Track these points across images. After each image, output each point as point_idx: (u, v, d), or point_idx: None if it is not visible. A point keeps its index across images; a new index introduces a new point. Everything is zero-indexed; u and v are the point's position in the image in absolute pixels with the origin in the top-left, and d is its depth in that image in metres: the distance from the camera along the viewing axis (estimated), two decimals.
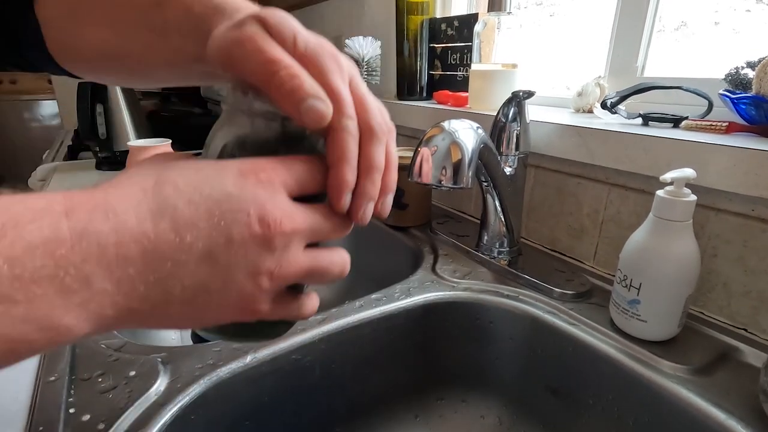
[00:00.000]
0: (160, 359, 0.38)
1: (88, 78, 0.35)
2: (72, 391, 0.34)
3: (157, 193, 0.18)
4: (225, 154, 0.22)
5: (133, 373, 0.36)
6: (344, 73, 0.22)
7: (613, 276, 0.43)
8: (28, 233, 0.16)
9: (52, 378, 0.35)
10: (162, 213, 0.18)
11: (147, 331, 0.64)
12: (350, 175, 0.21)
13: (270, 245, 0.19)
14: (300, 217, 0.20)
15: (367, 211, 0.22)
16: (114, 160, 1.02)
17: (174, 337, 0.65)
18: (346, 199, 0.21)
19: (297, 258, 0.20)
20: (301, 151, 0.22)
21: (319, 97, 0.19)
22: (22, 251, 0.15)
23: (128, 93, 1.05)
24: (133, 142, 0.78)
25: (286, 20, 0.21)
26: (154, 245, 0.18)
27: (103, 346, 0.40)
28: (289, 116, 0.20)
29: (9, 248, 0.15)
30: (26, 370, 0.36)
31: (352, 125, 0.21)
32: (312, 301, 0.24)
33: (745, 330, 0.43)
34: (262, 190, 0.19)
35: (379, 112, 0.22)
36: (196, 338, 0.44)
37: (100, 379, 0.36)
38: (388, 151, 0.22)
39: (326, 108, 0.20)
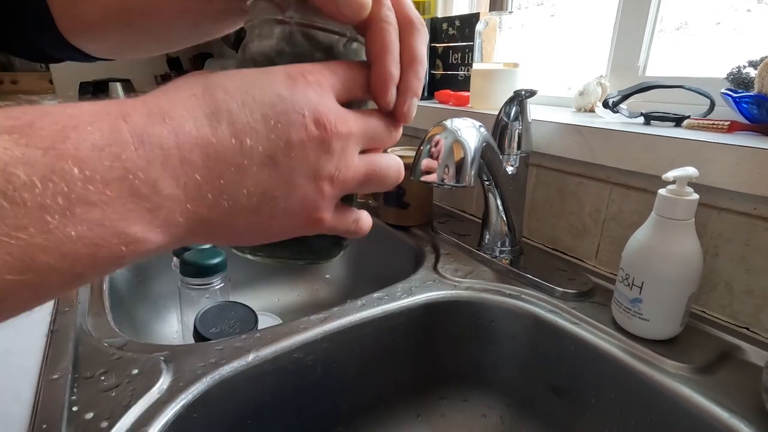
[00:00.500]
0: (162, 357, 0.38)
1: (99, 53, 0.34)
2: (75, 389, 0.34)
3: (209, 97, 0.17)
4: (258, 62, 0.21)
5: (135, 371, 0.36)
6: None
7: (615, 275, 0.43)
8: (90, 134, 0.15)
9: (55, 376, 0.35)
10: (218, 116, 0.17)
11: (149, 329, 0.64)
12: (394, 67, 0.20)
13: (328, 148, 0.19)
14: (353, 121, 0.20)
15: (412, 108, 0.21)
16: None
17: (176, 336, 0.65)
18: (392, 94, 0.20)
19: (354, 161, 0.20)
20: (332, 57, 0.21)
21: None
22: (88, 153, 0.14)
23: (130, 89, 1.05)
24: None
25: None
26: (215, 150, 0.17)
27: (105, 344, 0.40)
28: (321, 24, 0.20)
29: (74, 150, 0.14)
30: (29, 368, 0.36)
31: (392, 16, 0.20)
32: (367, 218, 0.24)
33: (748, 329, 0.43)
34: (313, 93, 0.19)
35: (413, 6, 0.22)
36: (198, 337, 0.44)
37: (102, 378, 0.36)
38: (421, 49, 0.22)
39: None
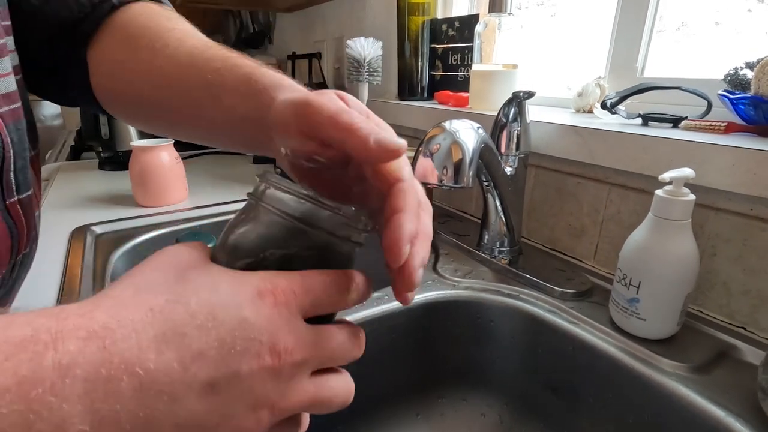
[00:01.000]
0: None
1: (126, 122, 0.36)
2: None
3: (166, 316, 0.17)
4: (241, 253, 0.20)
5: None
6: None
7: (613, 275, 0.44)
8: (1, 373, 0.14)
9: None
10: (168, 341, 0.16)
11: None
12: (412, 225, 0.20)
13: (278, 376, 0.18)
14: (312, 345, 0.19)
15: (419, 276, 0.20)
16: (117, 160, 1.03)
17: None
18: (405, 251, 0.19)
19: (302, 387, 0.19)
20: (323, 257, 0.21)
21: (393, 136, 0.20)
22: None
23: None
24: (136, 142, 0.78)
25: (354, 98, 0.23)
26: (152, 378, 0.16)
27: None
28: (316, 222, 0.20)
29: None
30: None
31: (412, 185, 0.21)
32: (305, 421, 0.22)
33: (744, 328, 0.44)
34: (278, 316, 0.18)
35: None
36: None
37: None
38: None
39: (401, 141, 0.20)
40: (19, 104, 0.30)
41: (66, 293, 0.49)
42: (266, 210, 0.20)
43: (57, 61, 0.34)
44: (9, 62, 0.29)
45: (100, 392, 0.15)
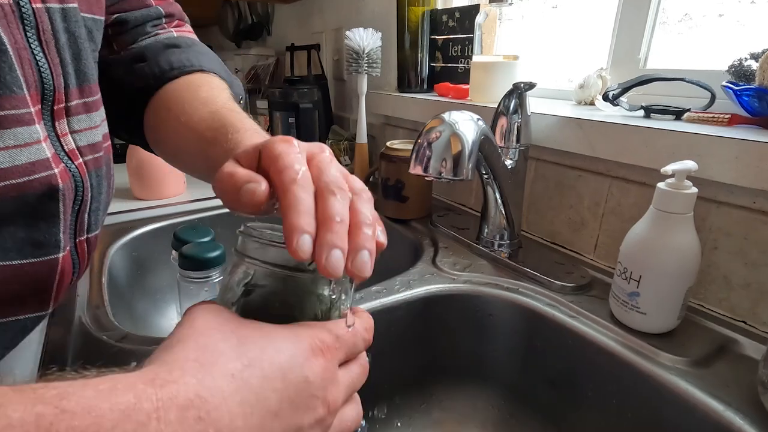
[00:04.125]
0: None
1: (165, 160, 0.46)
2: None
3: (246, 381, 0.19)
4: (260, 308, 0.24)
5: (134, 363, 0.36)
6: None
7: (613, 269, 0.43)
8: None
9: (54, 369, 0.36)
10: (251, 405, 0.19)
11: (148, 322, 0.65)
12: (298, 219, 0.21)
13: (326, 424, 0.22)
14: (344, 390, 0.23)
15: (335, 262, 0.21)
16: (114, 152, 1.02)
17: None
18: (297, 241, 0.21)
19: (333, 425, 0.23)
20: (309, 297, 0.24)
21: (255, 180, 0.23)
22: None
23: None
24: None
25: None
26: None
27: (104, 337, 0.40)
28: (272, 261, 0.24)
29: None
30: (27, 360, 0.37)
31: (298, 181, 0.23)
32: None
33: (745, 322, 0.43)
34: (328, 372, 0.22)
35: (339, 177, 0.24)
36: None
37: (102, 370, 0.36)
38: (357, 209, 0.23)
39: (259, 184, 0.23)
40: (101, 153, 0.35)
41: None
42: (239, 256, 0.25)
43: (128, 115, 0.43)
44: (99, 116, 0.34)
45: None
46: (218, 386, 0.18)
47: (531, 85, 0.50)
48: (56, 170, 0.29)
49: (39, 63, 0.28)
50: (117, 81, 0.41)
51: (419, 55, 0.84)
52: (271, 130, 0.90)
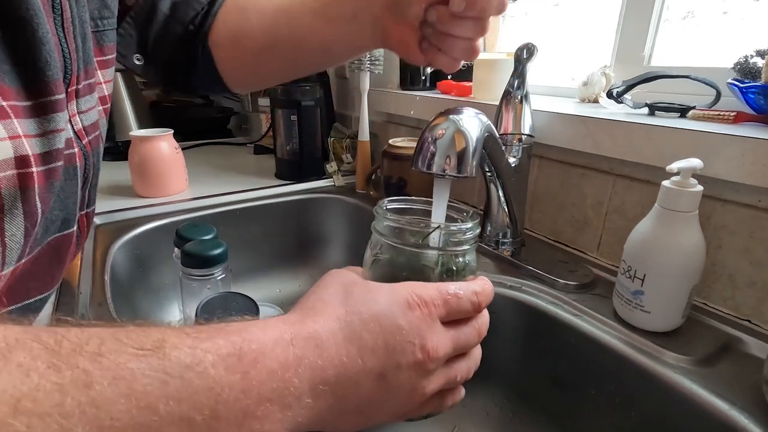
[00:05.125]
0: None
1: (250, 84, 0.48)
2: None
3: (348, 323, 0.24)
4: (388, 274, 0.29)
5: None
6: None
7: (617, 267, 0.43)
8: (271, 361, 0.21)
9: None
10: (351, 341, 0.23)
11: (149, 317, 0.64)
12: None
13: (427, 369, 0.25)
14: (449, 342, 0.26)
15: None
16: (116, 150, 1.02)
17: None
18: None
19: (441, 375, 0.27)
20: (423, 266, 0.29)
21: None
22: (267, 376, 0.21)
23: (130, 83, 1.05)
24: (136, 132, 0.77)
25: None
26: (345, 368, 0.23)
27: None
28: (398, 237, 0.29)
29: (260, 374, 0.20)
30: None
31: None
32: (455, 395, 0.30)
33: (749, 321, 0.43)
34: (424, 324, 0.25)
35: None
36: None
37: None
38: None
39: None
40: (98, 131, 0.37)
41: (66, 282, 0.49)
42: (373, 232, 0.31)
43: (187, 56, 0.44)
44: (96, 94, 0.36)
45: (318, 378, 0.22)
46: (329, 325, 0.24)
47: (531, 52, 0.52)
48: (75, 150, 0.32)
49: (63, 49, 0.29)
50: (166, 22, 0.42)
51: None
52: (273, 127, 0.90)
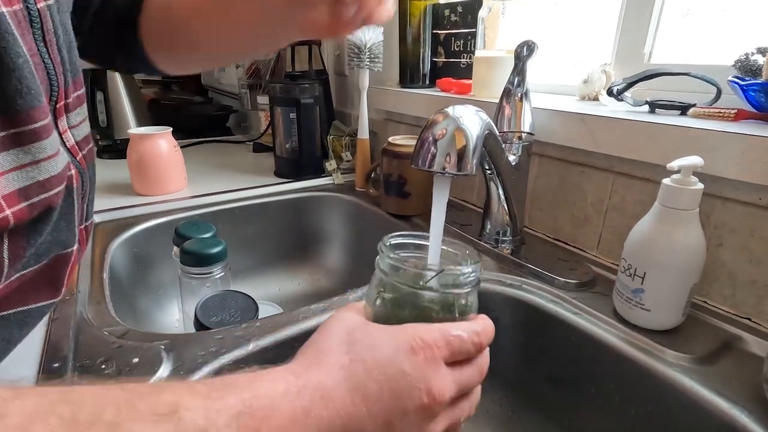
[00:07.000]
0: (163, 346, 0.38)
1: (181, 67, 0.46)
2: (75, 378, 0.34)
3: (352, 372, 0.24)
4: (390, 313, 0.29)
5: (136, 360, 0.36)
6: None
7: (617, 265, 0.43)
8: (281, 417, 0.22)
9: (56, 365, 0.36)
10: (356, 390, 0.24)
11: (149, 318, 0.64)
12: None
13: (433, 412, 0.25)
14: (454, 385, 0.26)
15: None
16: (115, 148, 1.02)
17: (177, 325, 0.65)
18: None
19: (447, 416, 0.27)
20: (425, 307, 0.29)
21: None
22: (277, 431, 0.21)
23: (128, 81, 1.04)
24: (134, 130, 0.77)
25: None
26: (351, 418, 0.23)
27: (106, 333, 0.40)
28: (400, 278, 0.29)
29: (270, 430, 0.21)
30: (30, 356, 0.37)
31: None
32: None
33: (749, 319, 0.43)
34: (428, 368, 0.25)
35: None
36: (199, 326, 0.44)
37: (103, 366, 0.36)
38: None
39: None
40: (91, 144, 0.36)
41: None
42: (377, 269, 0.30)
43: (121, 41, 0.43)
44: (85, 106, 0.35)
45: (324, 429, 0.23)
46: (333, 375, 0.24)
47: (531, 50, 0.51)
48: (73, 172, 0.31)
49: (46, 65, 0.28)
50: (102, 12, 0.41)
51: (421, 49, 0.83)
52: (272, 125, 0.90)
